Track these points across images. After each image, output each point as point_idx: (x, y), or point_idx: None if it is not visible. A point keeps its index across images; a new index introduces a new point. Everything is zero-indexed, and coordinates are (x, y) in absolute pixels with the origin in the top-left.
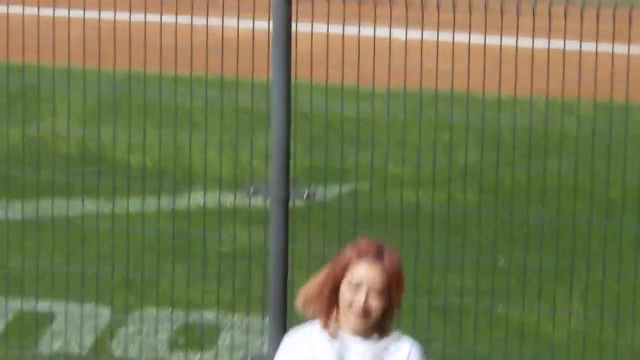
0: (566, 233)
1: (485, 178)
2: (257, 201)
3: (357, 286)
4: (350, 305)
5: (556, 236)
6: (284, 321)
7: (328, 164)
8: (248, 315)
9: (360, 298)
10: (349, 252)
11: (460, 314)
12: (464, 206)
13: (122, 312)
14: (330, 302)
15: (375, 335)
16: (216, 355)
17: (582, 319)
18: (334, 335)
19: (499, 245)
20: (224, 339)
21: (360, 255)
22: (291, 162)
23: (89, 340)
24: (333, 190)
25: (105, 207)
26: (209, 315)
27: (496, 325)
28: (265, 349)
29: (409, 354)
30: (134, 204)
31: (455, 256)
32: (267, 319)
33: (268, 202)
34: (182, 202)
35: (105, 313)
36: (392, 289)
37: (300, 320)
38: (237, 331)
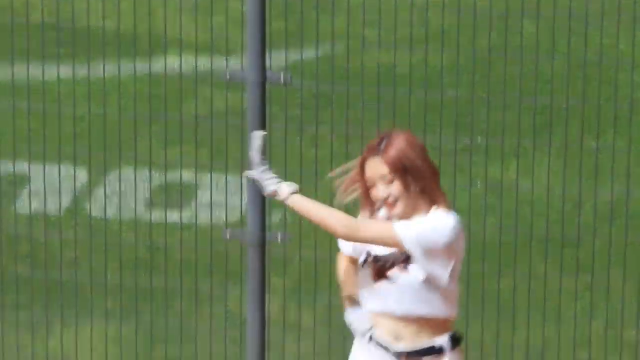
0: (545, 92)
1: (461, 41)
2: (234, 66)
3: (373, 185)
4: (377, 201)
5: (534, 94)
6: (262, 196)
7: (304, 26)
8: (226, 175)
9: (376, 192)
10: (362, 154)
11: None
12: (440, 68)
13: (100, 173)
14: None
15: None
16: (195, 215)
17: (561, 176)
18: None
19: (475, 107)
20: (202, 198)
21: (365, 155)
22: (267, 28)
23: (66, 201)
24: (309, 53)
25: (81, 71)
26: (187, 175)
27: (474, 182)
28: (244, 208)
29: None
30: (110, 70)
31: (433, 117)
32: (244, 179)
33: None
34: (157, 66)
35: (82, 174)
36: (400, 171)
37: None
38: (215, 191)
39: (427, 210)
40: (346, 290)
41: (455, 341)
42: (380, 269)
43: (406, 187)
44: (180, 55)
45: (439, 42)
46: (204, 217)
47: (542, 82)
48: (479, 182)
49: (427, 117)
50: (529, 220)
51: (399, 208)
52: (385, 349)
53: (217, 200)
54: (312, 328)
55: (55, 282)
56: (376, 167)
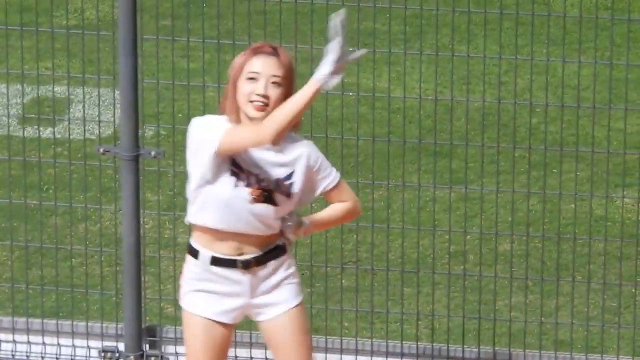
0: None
1: None
2: None
3: (254, 78)
4: (249, 97)
5: (405, 2)
6: (135, 107)
7: None
8: (99, 89)
9: (257, 87)
10: (244, 53)
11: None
12: None
13: None
14: (234, 104)
15: None
16: (68, 129)
17: (432, 83)
18: None
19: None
20: (75, 112)
21: (256, 51)
22: None
23: None
24: None
25: None
26: (60, 89)
27: (346, 91)
28: (116, 121)
29: (308, 152)
30: None
31: (305, 26)
32: (117, 92)
33: None
34: None
35: None
36: (287, 84)
37: (151, 96)
38: (88, 104)
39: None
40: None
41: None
42: (268, 191)
43: (283, 97)
44: None
45: None
46: (77, 133)
47: None
48: (351, 92)
49: (299, 25)
50: (401, 129)
51: (265, 114)
52: (231, 264)
53: (90, 115)
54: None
55: None
56: (269, 65)
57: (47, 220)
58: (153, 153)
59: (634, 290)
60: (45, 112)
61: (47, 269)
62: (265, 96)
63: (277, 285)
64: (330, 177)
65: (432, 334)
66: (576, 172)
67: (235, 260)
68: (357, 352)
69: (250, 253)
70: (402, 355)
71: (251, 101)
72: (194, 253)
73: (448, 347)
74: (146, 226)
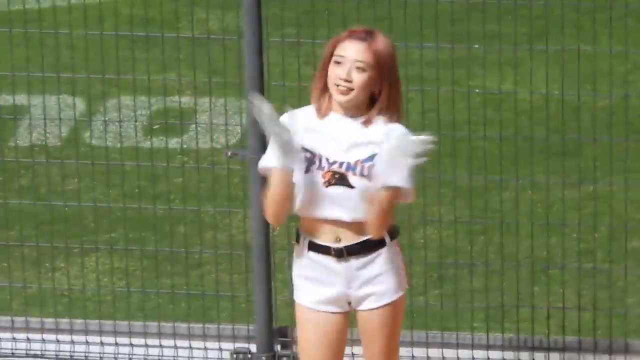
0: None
1: None
2: None
3: (340, 62)
4: (335, 80)
5: (529, 5)
6: (262, 94)
7: None
8: (225, 98)
9: (341, 72)
10: (339, 35)
11: (437, 86)
12: None
13: (98, 101)
14: (323, 85)
15: (364, 117)
16: (196, 138)
17: (560, 83)
18: (323, 116)
19: (471, 16)
20: (200, 124)
21: (349, 35)
22: None
23: (65, 131)
24: None
25: None
26: (186, 100)
27: (471, 95)
28: (243, 130)
29: (393, 130)
30: None
31: (428, 29)
32: (243, 102)
33: None
34: None
35: (80, 103)
36: (380, 70)
37: (277, 104)
38: (214, 113)
39: (370, 116)
40: (285, 207)
41: (394, 233)
42: (340, 174)
43: (372, 83)
44: None
45: None
46: (203, 142)
47: None
48: (477, 89)
49: (422, 28)
50: (528, 130)
51: (350, 98)
52: (326, 251)
53: (216, 124)
54: None
55: (59, 214)
56: (356, 50)
57: (176, 229)
58: None
59: None
60: (172, 123)
61: (176, 277)
62: (348, 80)
63: (376, 277)
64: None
65: (563, 330)
66: None
67: (329, 247)
68: (488, 347)
69: (347, 241)
70: (534, 348)
71: (336, 85)
72: (297, 238)
73: (580, 339)
74: (274, 233)
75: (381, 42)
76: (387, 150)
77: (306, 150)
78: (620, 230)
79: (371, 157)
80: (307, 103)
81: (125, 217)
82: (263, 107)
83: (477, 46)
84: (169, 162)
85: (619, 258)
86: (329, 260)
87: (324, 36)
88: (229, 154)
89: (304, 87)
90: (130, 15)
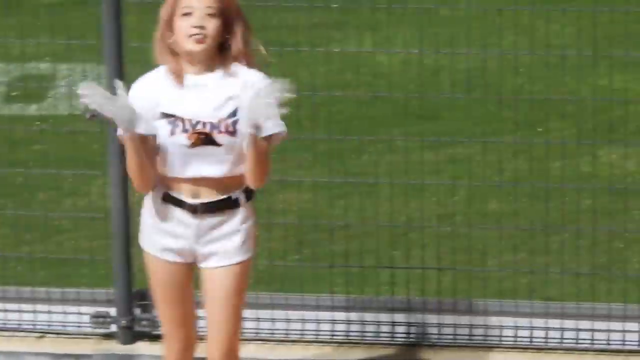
0: None
1: None
2: None
3: (189, 13)
4: (187, 32)
5: None
6: (120, 71)
7: None
8: (84, 63)
9: (193, 21)
10: None
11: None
12: None
13: None
14: (165, 44)
15: (219, 69)
16: (54, 105)
17: (419, 45)
18: (178, 78)
19: None
20: (60, 90)
21: None
22: None
23: None
24: None
25: None
26: (45, 66)
27: (330, 59)
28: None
29: (254, 82)
30: None
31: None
32: (102, 67)
33: None
34: None
35: None
36: (226, 15)
37: (136, 69)
38: (74, 81)
39: (226, 64)
40: (147, 173)
41: (249, 194)
42: (205, 134)
43: (225, 28)
44: None
45: None
46: (63, 109)
47: None
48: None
49: None
50: (387, 94)
51: (206, 45)
52: (180, 204)
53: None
54: None
55: None
56: None
57: (34, 195)
58: None
59: (622, 246)
60: (31, 90)
61: (35, 244)
62: (202, 27)
63: (226, 236)
64: (270, 123)
65: (423, 292)
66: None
67: (184, 202)
68: (347, 309)
69: (204, 198)
70: (393, 310)
71: (189, 35)
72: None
73: (440, 300)
74: (133, 199)
75: None
76: (249, 100)
77: (167, 114)
78: (479, 193)
79: (234, 113)
80: None
81: None
82: (89, 90)
83: (335, 5)
84: (28, 128)
85: (478, 220)
86: (182, 214)
87: None
88: (88, 115)
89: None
90: None
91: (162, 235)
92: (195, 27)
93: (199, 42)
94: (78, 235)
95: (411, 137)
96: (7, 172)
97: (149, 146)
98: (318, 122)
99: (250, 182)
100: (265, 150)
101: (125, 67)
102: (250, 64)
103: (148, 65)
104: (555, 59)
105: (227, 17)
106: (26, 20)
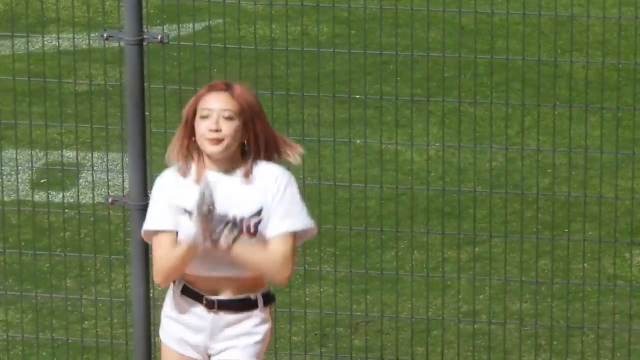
0: (421, 62)
1: (337, 11)
2: (112, 42)
3: (207, 116)
4: (204, 134)
5: (410, 64)
6: (143, 159)
7: (180, 1)
8: (107, 153)
9: (210, 123)
10: (198, 92)
11: (319, 143)
12: (317, 39)
13: None
14: (189, 144)
15: (240, 171)
16: (78, 194)
17: (440, 144)
18: (198, 176)
19: (354, 76)
20: (85, 178)
21: (208, 89)
22: (144, 1)
23: None
24: (187, 29)
25: None
26: (69, 155)
27: (355, 154)
28: (126, 186)
29: (276, 177)
30: None
31: (311, 89)
32: (126, 157)
33: (122, 44)
34: (36, 44)
35: None
36: (246, 117)
37: (158, 156)
38: (98, 169)
39: (247, 166)
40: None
41: (269, 298)
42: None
43: (242, 130)
44: (58, 33)
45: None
46: (87, 196)
47: (419, 55)
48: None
49: (305, 89)
50: (410, 191)
51: (221, 149)
52: (198, 298)
53: (100, 179)
54: None
55: None
56: (221, 100)
57: (59, 284)
58: None
59: None
60: (55, 178)
61: (58, 330)
62: (218, 130)
63: (239, 336)
64: (295, 218)
65: None
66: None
67: (202, 296)
68: None
69: (222, 295)
70: None
71: (206, 138)
72: (174, 281)
73: None
74: (158, 289)
75: (241, 89)
76: (272, 201)
77: (189, 211)
78: (501, 291)
79: (258, 213)
80: None
81: (6, 270)
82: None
83: (358, 96)
84: (51, 217)
85: (501, 320)
86: (199, 309)
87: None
88: (110, 200)
89: None
90: (13, 69)
91: (179, 328)
92: (212, 130)
93: (215, 144)
94: (102, 323)
95: (434, 233)
96: (31, 259)
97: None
98: (341, 217)
99: (275, 279)
100: (292, 246)
101: (148, 155)
102: (271, 160)
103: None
104: (579, 160)
105: (246, 118)
106: (51, 108)
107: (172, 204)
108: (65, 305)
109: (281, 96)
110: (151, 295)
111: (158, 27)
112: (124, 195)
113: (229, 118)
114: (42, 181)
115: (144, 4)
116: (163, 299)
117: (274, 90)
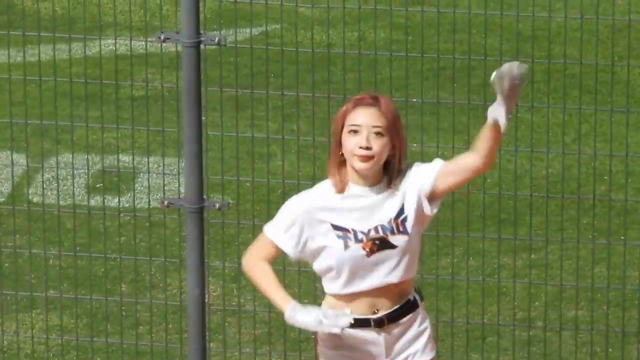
0: (478, 68)
1: (394, 16)
2: (169, 46)
3: (356, 131)
4: (353, 151)
5: (467, 70)
6: (200, 162)
7: (238, 6)
8: (164, 157)
9: (359, 140)
10: (345, 106)
11: None
12: (375, 44)
13: (38, 159)
14: (338, 159)
15: (383, 182)
16: (134, 198)
17: (497, 151)
18: (341, 189)
19: (410, 82)
20: (141, 182)
21: (355, 103)
22: (201, 5)
23: (6, 188)
24: (244, 33)
25: (17, 56)
26: (125, 159)
27: (412, 159)
28: (182, 190)
29: (407, 175)
30: (46, 52)
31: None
32: (182, 161)
33: (179, 47)
34: (93, 48)
35: (21, 160)
36: (392, 133)
37: (214, 160)
38: (154, 174)
39: (393, 181)
40: (279, 288)
41: (420, 294)
42: (379, 239)
43: (390, 147)
44: (115, 37)
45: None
46: (143, 201)
47: (476, 61)
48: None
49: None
50: (466, 197)
51: (371, 165)
52: (365, 324)
53: (156, 184)
54: (252, 312)
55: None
56: (370, 116)
57: (114, 289)
58: (218, 205)
59: None
60: (111, 183)
61: (113, 335)
62: (368, 148)
63: (411, 341)
64: (431, 167)
65: None
66: None
67: (369, 320)
68: None
69: (384, 310)
70: None
71: (356, 154)
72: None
73: None
74: (213, 294)
75: (388, 103)
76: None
77: (338, 227)
78: (557, 298)
79: (401, 210)
80: (247, 166)
81: (61, 274)
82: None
83: (414, 100)
84: (107, 221)
85: (556, 326)
86: (368, 333)
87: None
88: (166, 202)
89: (243, 150)
90: (70, 73)
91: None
92: (362, 147)
93: (364, 161)
94: (156, 328)
95: (490, 238)
96: (86, 263)
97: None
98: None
99: (485, 164)
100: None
101: (205, 159)
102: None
103: (226, 157)
104: (636, 167)
105: (392, 133)
106: (108, 112)
107: (309, 224)
108: (120, 310)
109: (338, 102)
110: (206, 300)
111: (215, 31)
112: (179, 199)
113: (380, 134)
114: (98, 185)
115: (201, 8)
116: (217, 304)
117: (330, 96)
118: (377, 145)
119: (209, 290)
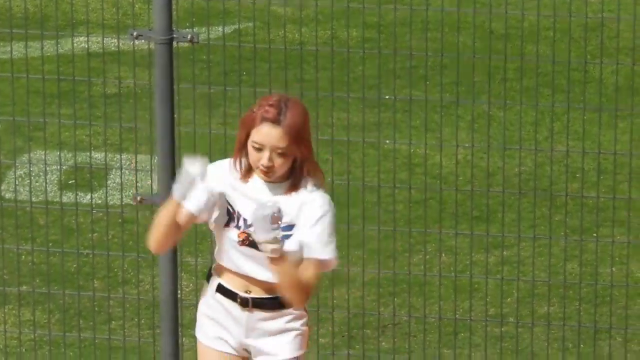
0: (451, 66)
1: (367, 15)
2: (141, 44)
3: (259, 148)
4: (256, 163)
5: (440, 69)
6: (172, 159)
7: (210, 4)
8: (136, 154)
9: (262, 158)
10: (254, 112)
11: (348, 146)
12: (347, 42)
13: (11, 156)
14: (242, 152)
15: (287, 182)
16: (106, 195)
17: (469, 148)
18: (245, 177)
19: (383, 80)
20: (113, 179)
21: (262, 118)
22: (173, 3)
23: None
24: (216, 31)
25: None
26: (98, 156)
27: (384, 157)
28: (155, 187)
29: (319, 205)
30: (18, 50)
31: (340, 92)
32: (155, 158)
33: (152, 45)
34: (65, 46)
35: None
36: (294, 149)
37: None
38: (126, 171)
39: (298, 184)
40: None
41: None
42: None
43: (292, 157)
44: (87, 35)
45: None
46: (116, 197)
47: (449, 59)
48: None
49: (335, 92)
50: (438, 194)
51: (272, 177)
52: (232, 296)
53: (128, 181)
54: None
55: None
56: (272, 136)
57: (87, 284)
58: None
59: None
60: (84, 179)
61: (85, 330)
62: (270, 166)
63: (276, 333)
64: (326, 247)
65: None
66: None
67: (236, 294)
68: None
69: (255, 293)
70: None
71: (258, 167)
72: (208, 278)
73: None
74: (186, 289)
75: (294, 116)
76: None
77: (229, 204)
78: (528, 294)
79: (289, 227)
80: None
81: (34, 270)
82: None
83: (388, 97)
84: (80, 218)
85: (529, 322)
86: (233, 306)
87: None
88: (138, 199)
89: (213, 142)
90: (43, 70)
91: (214, 325)
92: (264, 165)
93: (266, 174)
94: (129, 324)
95: (462, 234)
96: (58, 259)
97: (186, 221)
98: (369, 220)
99: (291, 302)
100: (314, 273)
101: (177, 156)
102: (318, 183)
103: (198, 154)
104: (608, 165)
105: (295, 150)
106: (80, 110)
107: (216, 190)
108: (92, 305)
109: (310, 99)
110: (179, 295)
111: (187, 29)
112: (152, 195)
113: (282, 154)
114: (70, 182)
115: (173, 6)
116: (190, 299)
117: (303, 94)
118: (279, 163)
119: (182, 285)
